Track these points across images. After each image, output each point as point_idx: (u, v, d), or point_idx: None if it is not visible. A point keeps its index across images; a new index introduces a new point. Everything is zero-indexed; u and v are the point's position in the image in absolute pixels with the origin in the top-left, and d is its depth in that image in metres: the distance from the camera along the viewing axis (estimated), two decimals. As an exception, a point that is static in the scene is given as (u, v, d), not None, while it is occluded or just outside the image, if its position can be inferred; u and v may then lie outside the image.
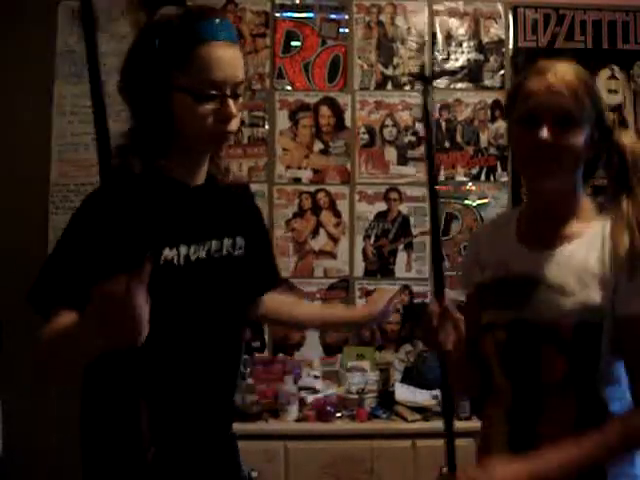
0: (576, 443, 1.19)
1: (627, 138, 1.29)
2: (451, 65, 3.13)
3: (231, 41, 1.27)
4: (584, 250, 1.26)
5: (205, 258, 1.33)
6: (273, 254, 1.66)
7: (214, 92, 1.24)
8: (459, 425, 2.69)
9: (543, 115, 1.23)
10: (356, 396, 2.77)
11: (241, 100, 1.30)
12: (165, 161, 1.30)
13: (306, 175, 3.09)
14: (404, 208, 3.09)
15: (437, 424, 2.67)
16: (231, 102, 1.26)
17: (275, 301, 1.66)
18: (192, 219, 1.33)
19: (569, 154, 1.24)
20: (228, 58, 1.25)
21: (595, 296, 1.23)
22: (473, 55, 3.14)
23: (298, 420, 2.69)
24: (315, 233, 3.08)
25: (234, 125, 1.28)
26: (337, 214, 3.08)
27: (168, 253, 1.27)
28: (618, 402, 1.25)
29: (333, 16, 3.12)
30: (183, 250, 1.30)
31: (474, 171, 3.11)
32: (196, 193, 1.35)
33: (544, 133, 1.22)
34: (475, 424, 2.64)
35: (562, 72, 1.25)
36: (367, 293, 3.07)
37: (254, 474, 2.58)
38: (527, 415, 1.29)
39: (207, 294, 1.34)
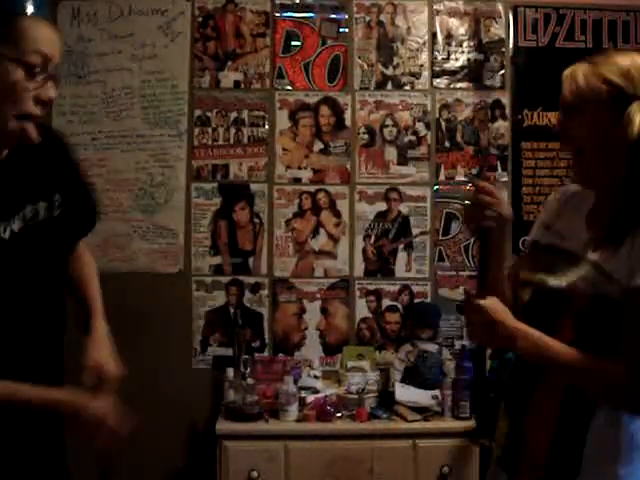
0: (575, 350, 1.22)
1: None
2: (451, 65, 3.13)
3: (48, 20, 1.20)
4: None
5: (22, 228, 1.27)
6: (90, 195, 1.55)
7: (42, 68, 1.16)
8: (459, 425, 2.72)
9: None
10: (356, 396, 2.76)
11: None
12: None
13: (306, 175, 3.09)
14: (404, 208, 3.09)
15: (437, 424, 2.68)
16: (52, 84, 1.19)
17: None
18: None
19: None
20: (52, 35, 1.19)
21: (617, 269, 1.22)
22: (473, 55, 3.13)
23: (298, 420, 2.69)
24: (315, 233, 3.08)
25: (43, 111, 1.21)
26: (337, 214, 3.08)
27: None
28: None
29: (333, 16, 3.11)
30: None
31: (474, 171, 3.11)
32: None
33: None
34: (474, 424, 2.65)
35: None
36: (367, 293, 3.07)
37: (254, 474, 2.58)
38: (529, 379, 1.34)
39: (29, 267, 1.29)
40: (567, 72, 1.31)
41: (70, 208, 1.40)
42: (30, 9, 1.16)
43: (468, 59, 3.13)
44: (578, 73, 1.28)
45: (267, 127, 3.08)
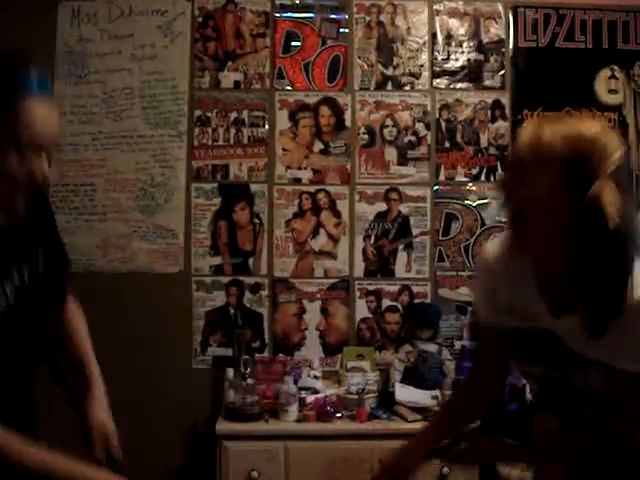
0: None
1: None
2: (451, 65, 3.13)
3: (50, 95, 1.24)
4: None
5: (15, 295, 1.31)
6: (65, 254, 1.55)
7: (34, 146, 1.21)
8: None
9: None
10: (356, 396, 2.77)
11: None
12: None
13: (306, 175, 3.09)
14: (404, 208, 3.09)
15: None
16: (45, 158, 1.24)
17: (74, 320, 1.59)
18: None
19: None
20: (48, 114, 1.23)
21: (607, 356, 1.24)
22: (473, 55, 3.14)
23: (298, 420, 2.69)
24: (315, 233, 3.08)
25: (34, 185, 1.25)
26: (337, 214, 3.08)
27: None
28: None
29: (333, 16, 3.11)
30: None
31: (474, 171, 3.11)
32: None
33: None
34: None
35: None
36: (367, 293, 3.07)
37: (254, 474, 2.58)
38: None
39: (19, 337, 1.33)
40: (527, 126, 1.22)
41: (51, 264, 1.42)
42: (34, 90, 1.20)
43: (468, 59, 3.13)
44: (541, 131, 1.18)
45: (267, 127, 3.08)
